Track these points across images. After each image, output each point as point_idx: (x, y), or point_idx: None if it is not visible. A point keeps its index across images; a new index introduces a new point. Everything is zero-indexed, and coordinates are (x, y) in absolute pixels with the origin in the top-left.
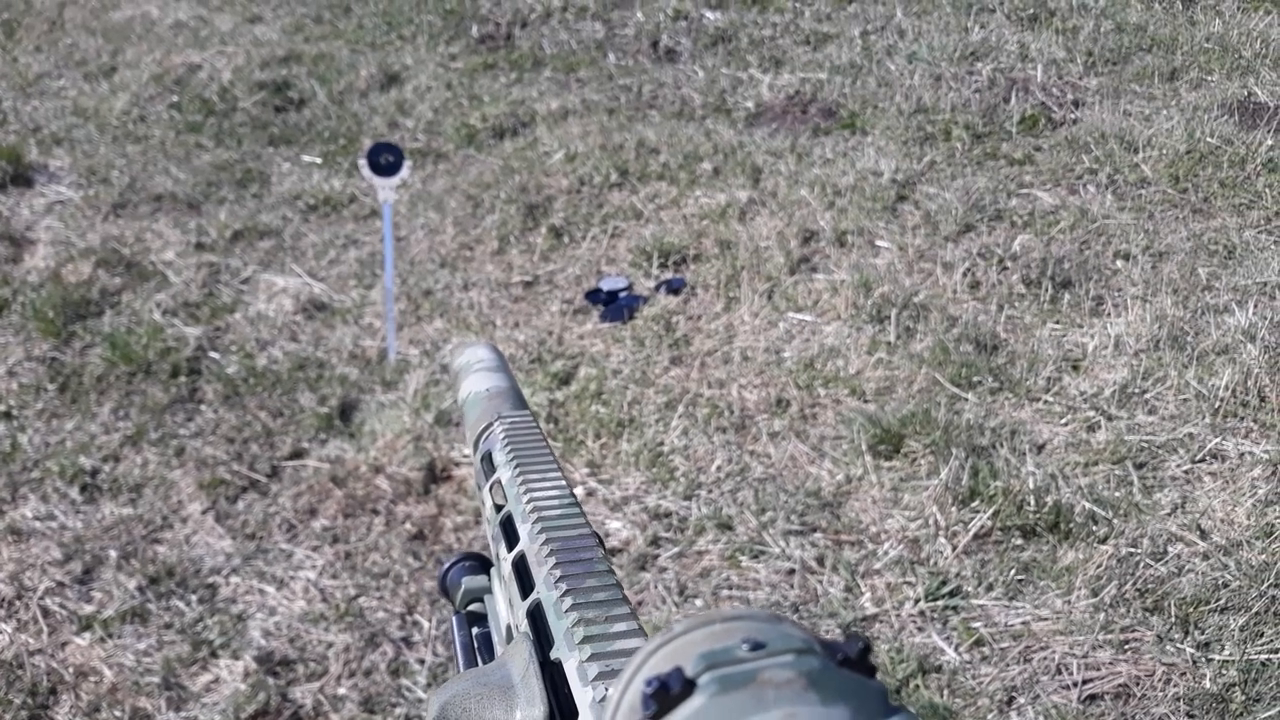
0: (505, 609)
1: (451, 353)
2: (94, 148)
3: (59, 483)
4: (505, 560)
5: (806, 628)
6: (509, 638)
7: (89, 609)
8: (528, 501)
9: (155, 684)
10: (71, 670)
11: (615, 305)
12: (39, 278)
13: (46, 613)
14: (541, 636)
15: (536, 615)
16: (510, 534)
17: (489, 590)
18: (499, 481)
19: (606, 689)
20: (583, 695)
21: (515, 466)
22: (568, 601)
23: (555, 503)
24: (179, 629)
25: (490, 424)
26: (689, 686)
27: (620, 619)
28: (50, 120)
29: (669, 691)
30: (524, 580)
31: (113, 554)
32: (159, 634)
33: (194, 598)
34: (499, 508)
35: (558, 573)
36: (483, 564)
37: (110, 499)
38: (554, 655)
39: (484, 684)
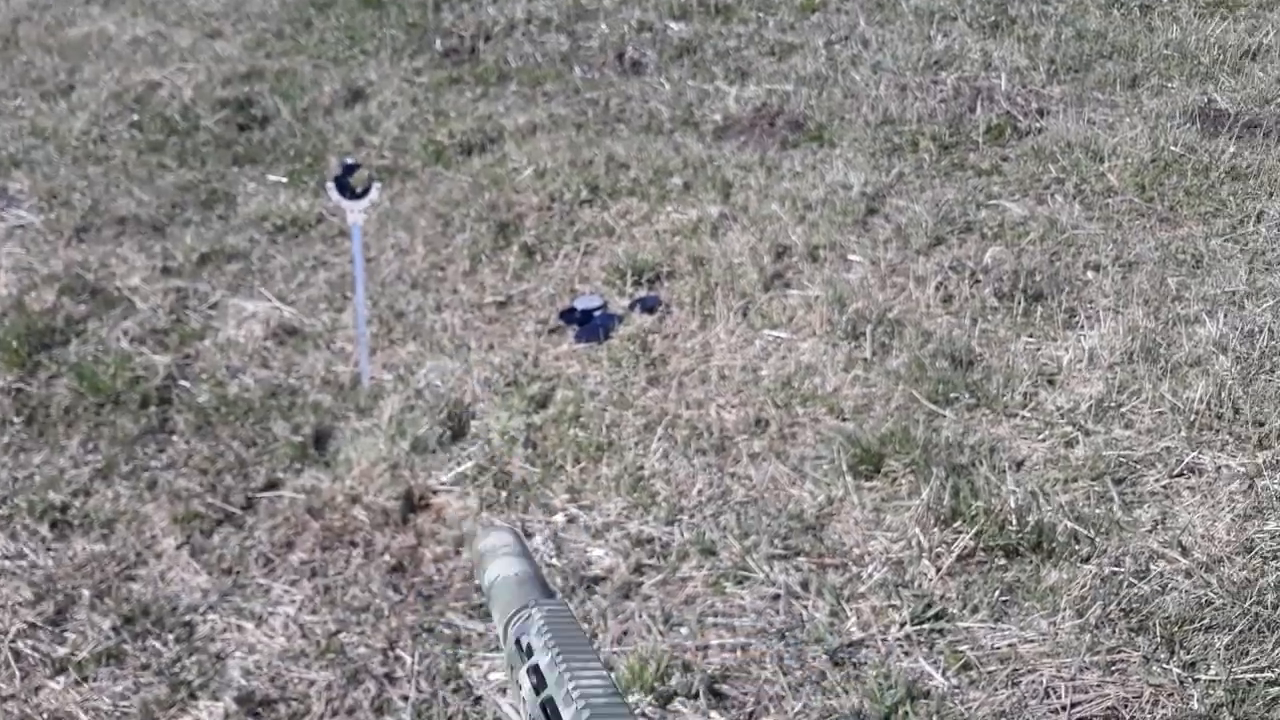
0: None
1: (475, 534)
2: (54, 169)
3: (28, 519)
4: None
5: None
6: None
7: (63, 651)
8: (574, 688)
9: None
10: (46, 716)
11: (591, 325)
12: (1, 307)
13: (19, 656)
14: None
15: None
16: (552, 717)
17: None
18: (537, 666)
19: None
20: None
21: (557, 653)
22: None
23: (600, 691)
24: (156, 670)
25: (524, 609)
26: None
27: None
28: (8, 141)
29: None
30: None
31: (86, 593)
32: (135, 675)
33: (171, 637)
34: (537, 688)
35: None
36: None
37: (82, 535)
38: None
39: None
